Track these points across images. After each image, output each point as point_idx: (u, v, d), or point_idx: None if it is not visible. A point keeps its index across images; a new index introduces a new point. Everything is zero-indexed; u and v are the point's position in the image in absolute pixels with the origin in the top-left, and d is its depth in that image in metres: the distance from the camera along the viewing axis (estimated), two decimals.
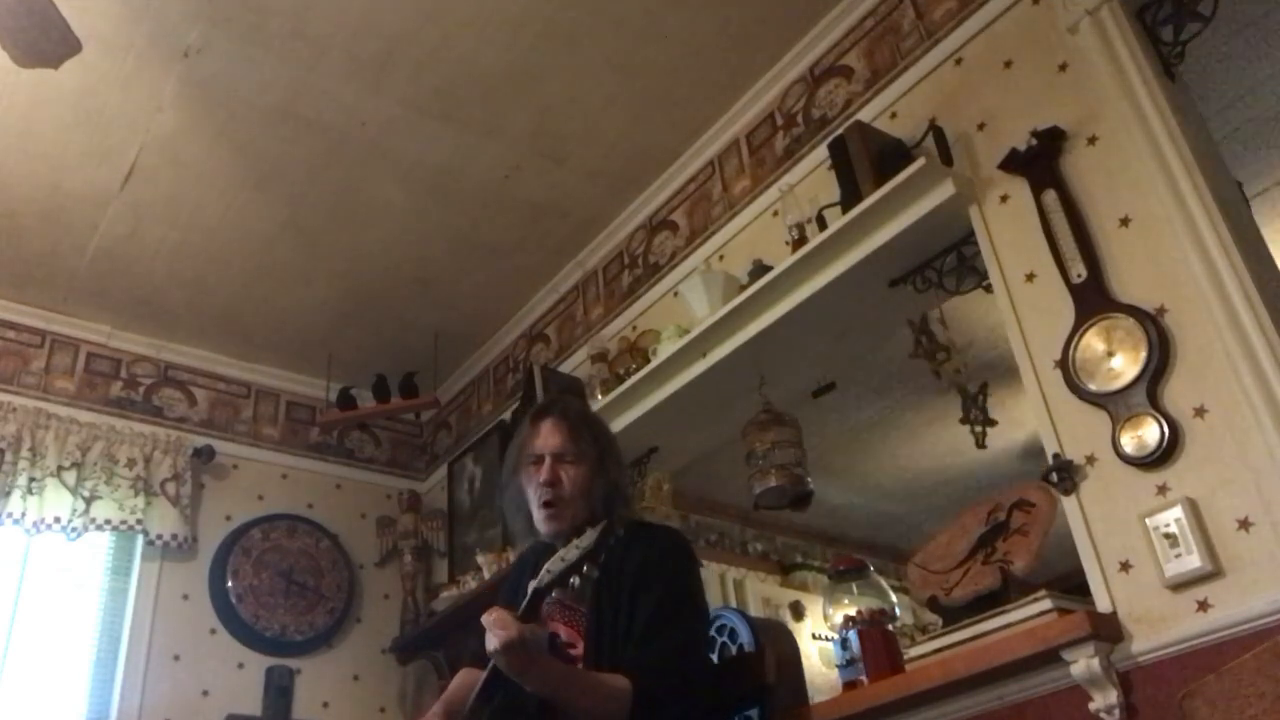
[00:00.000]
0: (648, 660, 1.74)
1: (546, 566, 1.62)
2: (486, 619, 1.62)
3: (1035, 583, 2.09)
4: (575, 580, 1.61)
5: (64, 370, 3.90)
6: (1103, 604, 2.02)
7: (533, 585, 1.63)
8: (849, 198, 2.60)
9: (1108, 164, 2.25)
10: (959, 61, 2.65)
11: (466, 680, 2.01)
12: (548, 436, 1.96)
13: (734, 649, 2.24)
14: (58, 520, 3.54)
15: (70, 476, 3.63)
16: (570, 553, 1.60)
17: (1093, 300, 2.18)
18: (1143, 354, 2.06)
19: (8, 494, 3.48)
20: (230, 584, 3.88)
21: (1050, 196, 2.30)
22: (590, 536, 1.60)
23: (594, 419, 2.10)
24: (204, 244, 3.66)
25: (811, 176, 2.99)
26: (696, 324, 2.97)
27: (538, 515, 1.94)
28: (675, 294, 3.25)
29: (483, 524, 4.04)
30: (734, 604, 4.85)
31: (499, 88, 3.15)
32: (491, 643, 1.60)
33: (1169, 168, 2.12)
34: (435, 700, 2.06)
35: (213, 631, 3.81)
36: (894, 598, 2.42)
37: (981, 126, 2.54)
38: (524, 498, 1.99)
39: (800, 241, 2.75)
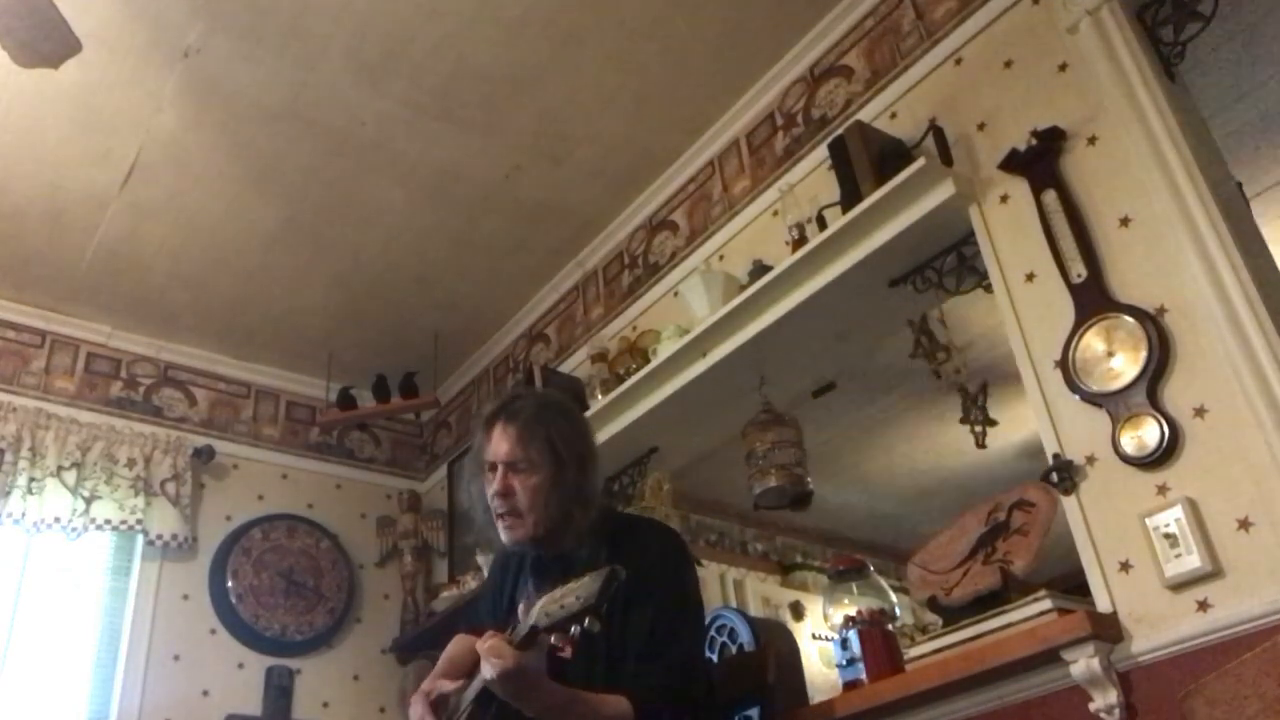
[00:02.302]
0: (649, 679, 1.71)
1: (542, 607, 1.52)
2: (481, 646, 1.59)
3: (1035, 583, 2.09)
4: (576, 630, 1.48)
5: (64, 370, 3.90)
6: (1103, 604, 2.02)
7: (529, 623, 1.55)
8: (849, 198, 2.60)
9: (1108, 164, 2.25)
10: (959, 61, 2.65)
11: (463, 645, 1.97)
12: (498, 443, 1.87)
13: (734, 649, 2.24)
14: (58, 520, 3.54)
15: (70, 476, 3.63)
16: (569, 600, 1.48)
17: (1093, 300, 2.18)
18: (1143, 354, 2.06)
19: (8, 494, 3.48)
20: (230, 584, 3.88)
21: (1050, 196, 2.30)
22: (592, 586, 1.46)
23: (549, 418, 1.91)
24: (204, 244, 3.66)
25: (811, 176, 2.99)
26: (696, 324, 2.97)
27: (497, 525, 1.89)
28: (675, 294, 3.25)
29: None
30: (734, 604, 4.85)
31: (499, 88, 3.15)
32: (487, 671, 1.58)
33: (1169, 168, 2.12)
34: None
35: (213, 631, 3.81)
36: (894, 598, 2.43)
37: (981, 126, 2.54)
38: (486, 503, 1.92)
39: (800, 241, 2.75)
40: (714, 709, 1.91)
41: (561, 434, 1.90)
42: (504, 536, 1.89)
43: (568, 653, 1.78)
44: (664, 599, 1.78)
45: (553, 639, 1.54)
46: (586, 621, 1.46)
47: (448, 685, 1.83)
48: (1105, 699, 1.92)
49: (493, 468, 1.89)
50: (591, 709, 1.67)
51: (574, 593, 1.47)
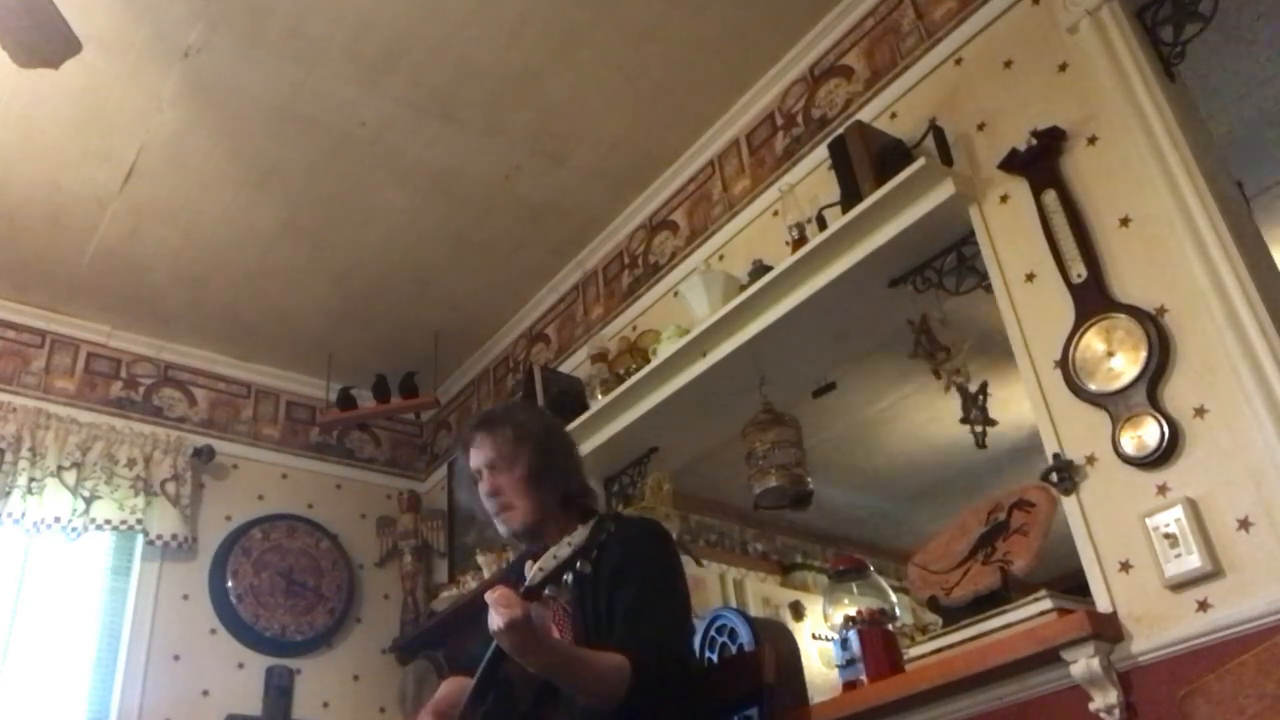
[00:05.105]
0: (638, 635, 1.76)
1: (539, 564, 1.62)
2: (490, 597, 1.61)
3: (1035, 583, 2.09)
4: (569, 577, 1.61)
5: (64, 370, 3.90)
6: (1103, 604, 2.02)
7: (525, 584, 1.62)
8: (849, 198, 2.60)
9: (1108, 164, 2.25)
10: (959, 61, 2.65)
11: (453, 688, 2.02)
12: (475, 454, 2.05)
13: (734, 649, 2.24)
14: (58, 520, 3.54)
15: (70, 476, 3.63)
16: (562, 550, 1.60)
17: (1093, 300, 2.18)
18: (1143, 354, 2.06)
19: (8, 494, 3.48)
20: (230, 584, 3.88)
21: (1050, 196, 2.30)
22: (582, 533, 1.60)
23: (514, 414, 2.13)
24: (204, 244, 3.66)
25: (811, 176, 2.99)
26: (696, 324, 2.97)
27: (496, 522, 2.04)
28: (675, 294, 3.25)
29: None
30: (734, 604, 4.84)
31: (499, 88, 3.15)
32: (496, 621, 1.59)
33: (1169, 168, 2.13)
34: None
35: (213, 631, 3.81)
36: (894, 598, 2.42)
37: (981, 126, 2.54)
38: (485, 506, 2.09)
39: (800, 241, 2.75)
40: (708, 688, 1.93)
41: (525, 427, 2.07)
42: (502, 530, 2.03)
43: (556, 633, 1.82)
44: (647, 574, 1.86)
45: (546, 590, 1.63)
46: (579, 564, 1.59)
47: None
48: (1105, 699, 1.92)
49: (478, 476, 2.05)
50: (591, 663, 1.71)
51: (567, 543, 1.61)
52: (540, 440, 2.05)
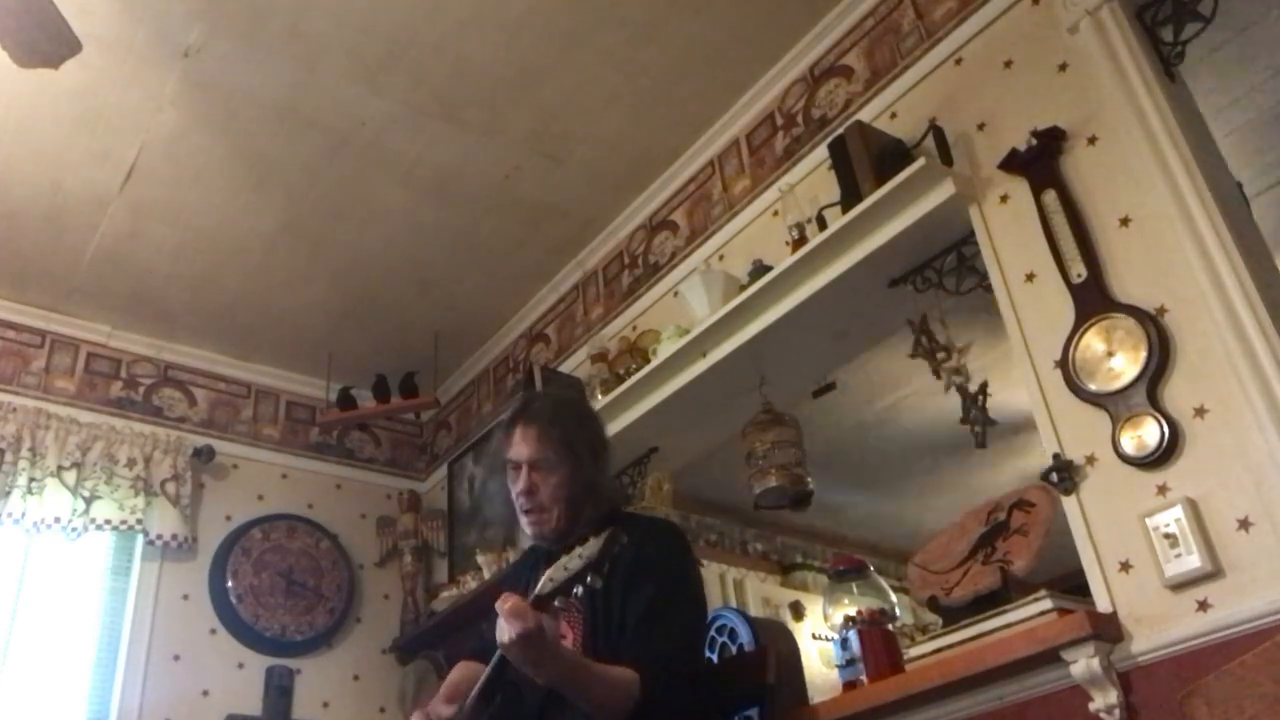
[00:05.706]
0: (649, 649, 1.74)
1: (548, 574, 1.60)
2: (500, 606, 1.59)
3: (1035, 583, 2.09)
4: (579, 590, 1.58)
5: (64, 370, 3.90)
6: (1103, 604, 2.02)
7: (534, 593, 1.61)
8: (849, 198, 2.60)
9: (1108, 164, 2.25)
10: (959, 61, 2.65)
11: (466, 673, 2.00)
12: (519, 444, 1.97)
13: (734, 649, 2.24)
14: (58, 520, 3.54)
15: (70, 476, 3.63)
16: (573, 562, 1.57)
17: (1093, 300, 2.18)
18: (1143, 354, 2.06)
19: (8, 494, 3.48)
20: (230, 584, 3.88)
21: (1050, 196, 2.30)
22: (594, 546, 1.56)
23: (566, 415, 2.04)
24: (204, 244, 3.66)
25: (811, 176, 2.99)
26: (696, 324, 2.97)
27: (521, 520, 1.98)
28: (675, 294, 3.25)
29: (483, 524, 4.04)
30: (734, 604, 4.85)
31: (499, 88, 3.15)
32: (506, 633, 1.57)
33: (1169, 168, 2.13)
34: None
35: (213, 631, 3.81)
36: (894, 598, 2.43)
37: (981, 126, 2.54)
38: (506, 498, 2.05)
39: (800, 241, 2.75)
40: (716, 698, 1.92)
41: (575, 432, 2.01)
42: (530, 530, 1.98)
43: (570, 638, 1.81)
44: (663, 578, 1.84)
45: (555, 602, 1.60)
46: (589, 578, 1.55)
47: (445, 710, 1.85)
48: (1105, 699, 1.92)
49: (516, 467, 1.98)
50: (599, 676, 1.70)
51: (578, 554, 1.57)
52: (592, 451, 1.99)
